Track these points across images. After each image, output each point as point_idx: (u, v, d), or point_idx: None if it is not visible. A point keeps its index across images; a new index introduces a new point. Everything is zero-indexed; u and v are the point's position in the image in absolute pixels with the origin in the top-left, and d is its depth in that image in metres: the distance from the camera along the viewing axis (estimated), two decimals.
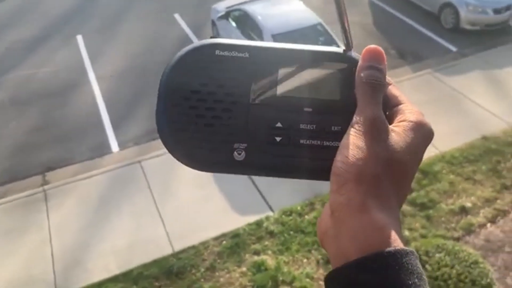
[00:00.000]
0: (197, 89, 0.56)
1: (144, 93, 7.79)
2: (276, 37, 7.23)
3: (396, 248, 0.46)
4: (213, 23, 8.85)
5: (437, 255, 4.23)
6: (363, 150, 0.49)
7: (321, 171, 0.54)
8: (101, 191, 5.90)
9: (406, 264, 0.45)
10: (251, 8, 8.01)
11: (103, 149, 6.68)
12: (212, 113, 0.56)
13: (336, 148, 0.52)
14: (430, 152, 6.06)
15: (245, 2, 8.50)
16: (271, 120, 0.56)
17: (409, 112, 0.54)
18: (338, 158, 0.51)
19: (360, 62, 0.55)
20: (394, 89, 0.57)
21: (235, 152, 0.56)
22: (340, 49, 0.59)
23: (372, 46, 0.55)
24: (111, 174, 6.14)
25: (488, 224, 5.23)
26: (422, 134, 0.53)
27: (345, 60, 0.57)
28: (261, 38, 7.41)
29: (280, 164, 0.56)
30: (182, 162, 0.58)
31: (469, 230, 5.16)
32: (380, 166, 0.49)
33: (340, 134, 0.53)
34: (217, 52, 0.57)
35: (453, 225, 5.21)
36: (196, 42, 0.59)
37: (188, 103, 0.56)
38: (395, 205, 0.50)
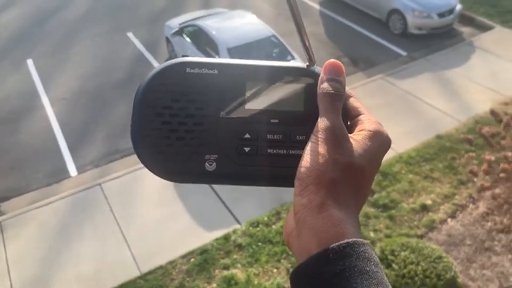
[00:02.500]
0: (169, 105, 0.60)
1: (101, 114, 7.64)
2: (231, 50, 7.28)
3: (353, 239, 0.49)
4: (168, 40, 8.81)
5: (403, 253, 4.32)
6: (323, 156, 0.54)
7: (288, 178, 0.57)
8: (61, 217, 5.70)
9: (363, 253, 0.49)
10: (204, 23, 8.03)
11: (61, 174, 6.47)
12: (184, 127, 0.59)
13: (301, 156, 0.56)
14: (388, 154, 6.19)
15: (198, 18, 8.53)
16: (240, 131, 0.60)
17: (367, 122, 0.59)
18: (301, 164, 0.55)
19: (321, 75, 0.60)
20: (355, 101, 0.62)
21: (206, 163, 0.59)
22: (304, 64, 0.63)
23: (332, 60, 0.60)
24: (70, 199, 5.95)
25: (449, 220, 5.41)
26: (380, 142, 0.58)
27: (308, 74, 0.62)
28: (216, 52, 7.44)
29: (250, 173, 0.60)
30: (156, 174, 0.61)
31: (431, 226, 5.31)
32: (338, 171, 0.53)
33: (305, 143, 0.57)
34: (187, 70, 0.61)
35: (415, 223, 5.35)
36: (168, 61, 0.62)
37: (160, 119, 0.60)
38: (353, 205, 0.54)
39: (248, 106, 0.60)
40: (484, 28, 9.80)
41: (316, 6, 11.10)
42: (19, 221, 5.67)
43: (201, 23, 8.09)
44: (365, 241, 0.50)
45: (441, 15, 9.38)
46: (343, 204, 0.52)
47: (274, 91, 0.61)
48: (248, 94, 0.61)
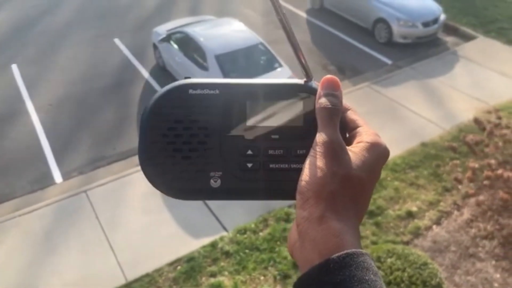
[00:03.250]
0: (174, 126, 0.62)
1: (87, 121, 7.58)
2: (219, 58, 7.29)
3: (352, 250, 0.51)
4: (155, 47, 8.79)
5: (389, 259, 4.35)
6: (322, 170, 0.55)
7: (290, 192, 0.58)
8: (46, 224, 5.62)
9: (362, 263, 0.51)
10: (192, 30, 8.04)
11: (45, 180, 6.39)
12: (188, 146, 0.62)
13: (301, 169, 0.58)
14: None
15: (186, 25, 8.54)
16: (243, 148, 0.62)
17: (365, 134, 0.61)
18: (302, 178, 0.57)
19: (318, 90, 0.61)
20: (352, 114, 0.64)
21: (211, 180, 0.62)
22: (301, 80, 0.65)
23: (329, 76, 0.62)
24: (55, 206, 5.87)
25: (434, 226, 5.47)
26: (377, 153, 0.59)
27: (306, 89, 0.64)
28: (204, 59, 7.45)
29: (253, 188, 0.62)
30: (163, 193, 0.63)
31: (416, 233, 5.36)
32: (337, 183, 0.55)
33: (305, 157, 0.58)
34: (190, 91, 0.63)
35: (401, 229, 5.40)
36: (171, 84, 0.64)
37: (166, 139, 0.62)
38: (353, 216, 0.56)
39: (250, 123, 0.62)
40: (468, 37, 9.99)
41: (303, 15, 11.20)
42: (2, 228, 5.58)
43: (189, 30, 8.10)
44: (364, 251, 0.52)
45: (425, 24, 9.54)
46: (342, 215, 0.54)
47: (274, 108, 0.63)
48: (249, 112, 0.63)
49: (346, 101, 0.64)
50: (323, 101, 0.60)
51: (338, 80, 0.62)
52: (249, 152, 0.62)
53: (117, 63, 9.26)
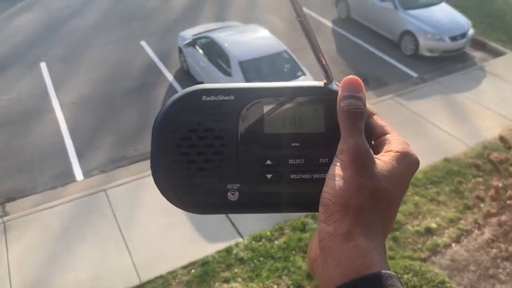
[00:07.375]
0: (187, 135, 0.58)
1: (110, 121, 7.69)
2: (243, 64, 7.32)
3: (380, 271, 0.47)
4: (180, 50, 8.89)
5: (405, 276, 4.28)
6: (347, 181, 0.51)
7: (313, 203, 0.54)
8: (65, 221, 5.71)
9: (390, 287, 0.46)
10: (217, 36, 8.10)
11: (67, 177, 6.50)
12: (203, 157, 0.57)
13: (325, 180, 0.53)
14: None
15: (211, 30, 8.61)
16: (261, 158, 0.57)
17: (395, 142, 0.56)
18: (325, 189, 0.52)
19: (339, 93, 0.56)
20: (379, 120, 0.59)
21: (228, 193, 0.57)
22: (321, 82, 0.60)
23: (350, 76, 0.57)
24: (75, 203, 5.96)
25: (453, 244, 5.35)
26: (407, 164, 0.55)
27: (327, 92, 0.59)
28: (228, 65, 7.49)
29: (273, 200, 0.57)
30: (177, 207, 0.59)
31: (435, 250, 5.25)
32: (364, 196, 0.50)
33: (328, 166, 0.54)
34: (203, 97, 0.59)
35: (419, 246, 5.30)
36: (183, 90, 0.60)
37: (179, 150, 0.57)
38: (380, 232, 0.51)
39: (267, 130, 0.58)
40: (496, 53, 9.80)
41: (329, 24, 11.17)
42: (23, 222, 5.69)
43: (214, 35, 8.17)
44: (393, 273, 0.48)
45: (453, 38, 9.41)
46: (369, 231, 0.50)
47: (293, 113, 0.59)
48: (266, 118, 0.58)
49: None
50: (345, 103, 0.55)
51: (360, 80, 0.56)
52: (268, 162, 0.57)
53: (143, 65, 9.38)
